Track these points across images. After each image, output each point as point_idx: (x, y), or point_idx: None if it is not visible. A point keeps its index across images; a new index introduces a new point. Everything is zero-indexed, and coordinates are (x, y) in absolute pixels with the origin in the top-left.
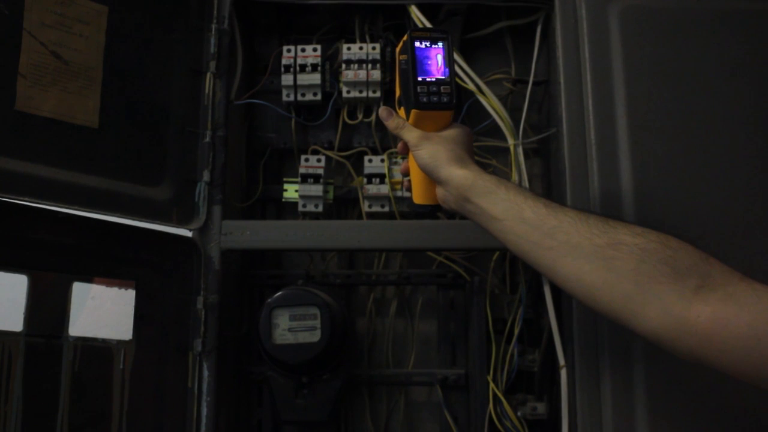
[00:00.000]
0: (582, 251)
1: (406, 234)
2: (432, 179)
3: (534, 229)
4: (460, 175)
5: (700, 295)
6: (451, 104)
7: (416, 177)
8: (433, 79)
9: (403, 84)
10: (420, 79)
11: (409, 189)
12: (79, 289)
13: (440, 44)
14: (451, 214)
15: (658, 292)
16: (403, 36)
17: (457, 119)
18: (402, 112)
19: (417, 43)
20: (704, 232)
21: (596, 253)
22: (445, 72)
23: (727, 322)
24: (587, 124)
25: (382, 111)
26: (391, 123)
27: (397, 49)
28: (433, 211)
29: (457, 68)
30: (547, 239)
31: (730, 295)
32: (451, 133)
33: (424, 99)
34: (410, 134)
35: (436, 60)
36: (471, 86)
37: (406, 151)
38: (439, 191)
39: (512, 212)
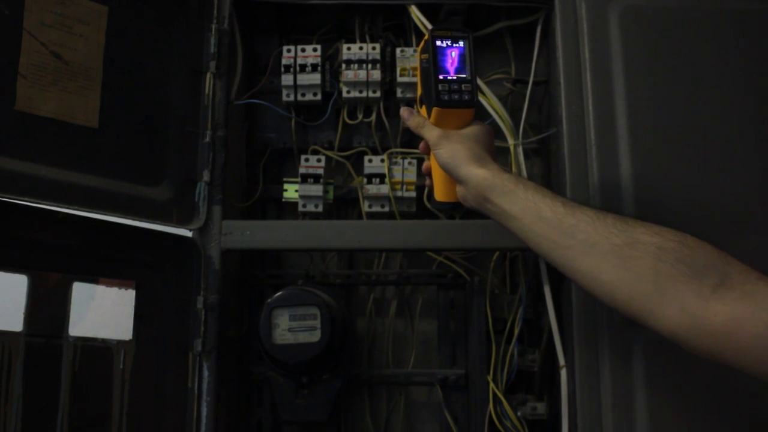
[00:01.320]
0: (600, 250)
1: (406, 234)
2: (452, 178)
3: (553, 228)
4: (479, 174)
5: (717, 294)
6: (472, 102)
7: (437, 175)
8: (454, 78)
9: (424, 82)
10: (441, 77)
11: (431, 188)
12: (79, 289)
13: (461, 43)
14: (451, 215)
15: (675, 291)
16: (406, 35)
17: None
18: (423, 111)
19: (438, 42)
20: (704, 232)
21: (614, 252)
22: (465, 71)
23: (745, 322)
24: (587, 124)
25: (403, 111)
26: (412, 122)
27: (418, 49)
28: (454, 208)
29: None
30: (566, 238)
31: (747, 294)
32: (471, 131)
33: (446, 97)
34: (431, 133)
35: (457, 59)
36: None
37: (427, 151)
38: (459, 189)
39: (531, 211)
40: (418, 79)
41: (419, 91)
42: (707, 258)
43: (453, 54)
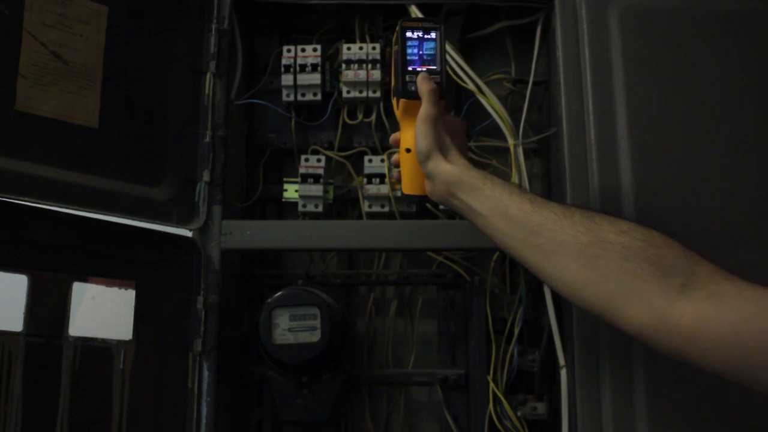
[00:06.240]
0: (566, 249)
1: (406, 234)
2: (421, 168)
3: (519, 227)
4: (446, 170)
5: (684, 294)
6: (440, 94)
7: (406, 166)
8: (423, 69)
9: (395, 74)
10: (410, 69)
11: (400, 180)
12: (79, 289)
13: (432, 34)
14: (451, 215)
15: (641, 291)
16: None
17: (460, 116)
18: (395, 103)
19: (408, 33)
20: (704, 232)
21: (581, 251)
22: (435, 62)
23: (710, 321)
24: (587, 124)
25: (422, 76)
26: (425, 86)
27: (393, 39)
28: (421, 201)
29: (457, 68)
30: (533, 237)
31: (713, 294)
32: (444, 122)
33: (412, 88)
34: (424, 110)
35: (426, 50)
36: (471, 86)
37: (398, 143)
38: (427, 184)
39: (497, 209)
40: (391, 70)
41: (392, 83)
42: (674, 257)
43: (423, 45)
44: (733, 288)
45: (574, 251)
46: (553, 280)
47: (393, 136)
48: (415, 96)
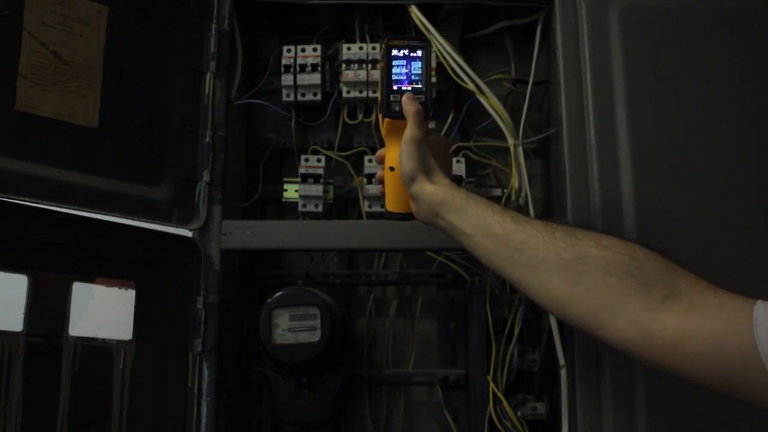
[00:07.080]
0: (550, 266)
1: (406, 234)
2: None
3: (503, 245)
4: (430, 191)
5: (666, 306)
6: (425, 115)
7: (390, 185)
8: (408, 89)
9: (380, 92)
10: (395, 88)
11: (384, 196)
12: (79, 289)
13: (419, 52)
14: None
15: (625, 305)
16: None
17: (456, 120)
18: (380, 119)
19: (394, 52)
20: (704, 232)
21: (564, 267)
22: (420, 81)
23: (692, 333)
24: (587, 124)
25: (407, 96)
26: (411, 107)
27: (380, 56)
28: (405, 219)
29: (457, 68)
30: (516, 254)
31: (695, 305)
32: (429, 142)
33: (396, 108)
34: (409, 131)
35: (412, 69)
36: (471, 86)
37: (381, 160)
38: (412, 204)
39: (481, 228)
40: (379, 86)
41: (379, 99)
42: (655, 269)
43: (408, 64)
44: (714, 299)
45: (558, 267)
46: (538, 295)
47: (378, 153)
48: (399, 116)
